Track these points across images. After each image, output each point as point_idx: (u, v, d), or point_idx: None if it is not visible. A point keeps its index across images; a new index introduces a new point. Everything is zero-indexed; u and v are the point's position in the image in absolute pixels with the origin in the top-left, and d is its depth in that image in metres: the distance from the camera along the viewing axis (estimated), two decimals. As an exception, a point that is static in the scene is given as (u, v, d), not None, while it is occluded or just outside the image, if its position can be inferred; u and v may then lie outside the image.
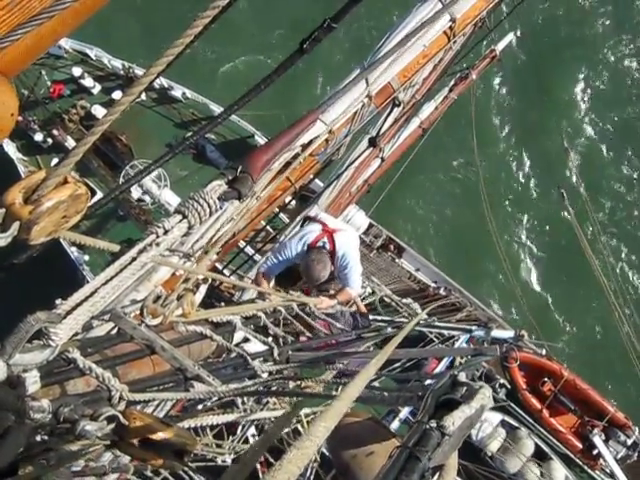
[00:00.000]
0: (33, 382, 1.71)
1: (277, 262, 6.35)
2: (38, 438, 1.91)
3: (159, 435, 1.91)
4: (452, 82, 12.46)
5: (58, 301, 1.86)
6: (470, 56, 9.88)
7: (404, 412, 9.95)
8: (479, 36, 9.09)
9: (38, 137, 12.88)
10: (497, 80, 18.26)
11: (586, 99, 19.21)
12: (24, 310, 1.84)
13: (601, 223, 17.22)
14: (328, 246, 6.21)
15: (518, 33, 16.23)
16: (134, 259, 2.15)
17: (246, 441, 6.98)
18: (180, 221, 2.44)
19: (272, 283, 6.52)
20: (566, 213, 15.24)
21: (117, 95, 13.13)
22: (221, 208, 2.89)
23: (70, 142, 12.95)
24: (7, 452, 1.57)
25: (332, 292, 6.71)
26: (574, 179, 16.66)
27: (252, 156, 3.39)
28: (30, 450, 1.97)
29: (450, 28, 6.17)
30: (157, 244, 2.26)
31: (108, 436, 1.90)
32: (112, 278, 2.03)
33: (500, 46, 13.69)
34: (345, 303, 6.58)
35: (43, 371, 1.80)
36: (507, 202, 18.02)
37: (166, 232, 2.34)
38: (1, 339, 1.60)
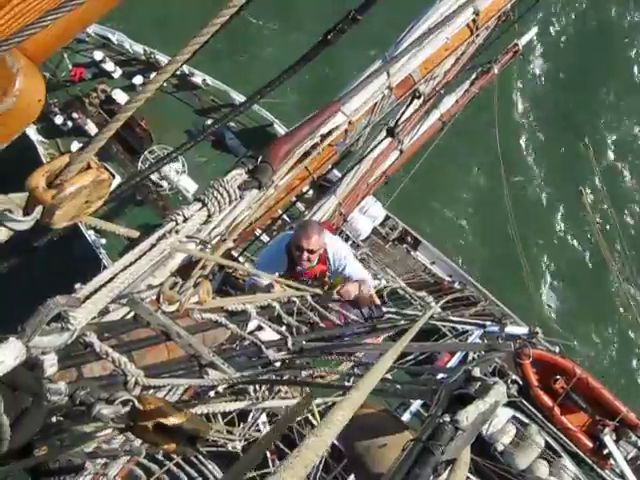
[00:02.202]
0: (51, 365, 1.72)
1: (266, 267, 5.93)
2: (54, 419, 1.94)
3: (173, 420, 1.93)
4: (474, 75, 12.38)
5: (77, 285, 1.87)
6: (493, 50, 9.81)
7: (415, 404, 9.94)
8: (502, 30, 9.03)
9: (58, 120, 12.96)
10: (520, 74, 18.10)
11: (612, 97, 18.99)
12: (42, 293, 1.86)
13: (619, 222, 17.10)
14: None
15: (540, 27, 16.05)
16: (153, 246, 2.16)
17: (257, 428, 7.01)
18: (200, 209, 2.46)
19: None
20: (585, 209, 15.14)
21: (138, 80, 13.18)
22: (240, 197, 2.90)
23: (90, 125, 13.02)
24: (24, 432, 1.60)
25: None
26: (595, 176, 16.53)
27: (273, 146, 3.39)
28: (46, 431, 2.00)
29: (473, 21, 6.14)
30: (177, 231, 2.27)
31: (122, 420, 1.92)
32: (131, 264, 2.05)
33: (523, 40, 13.57)
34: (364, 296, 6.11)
35: (61, 354, 1.82)
36: (527, 198, 17.90)
37: (185, 220, 2.35)
38: (21, 322, 1.61)
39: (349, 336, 5.22)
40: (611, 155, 18.55)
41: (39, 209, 1.57)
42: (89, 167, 1.61)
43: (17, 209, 1.57)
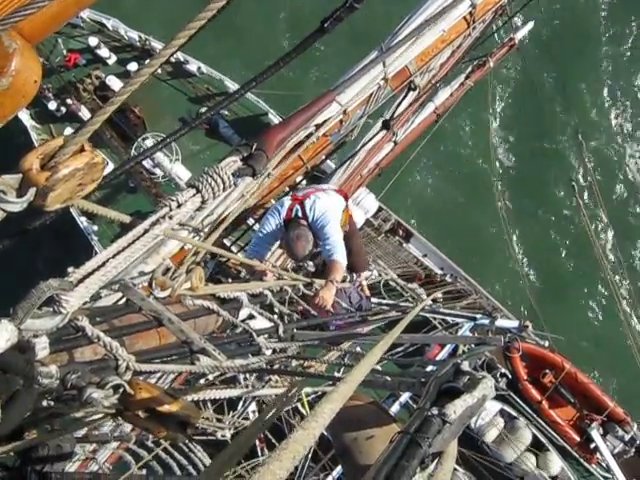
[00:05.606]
0: (43, 348, 1.72)
1: (261, 243, 6.05)
2: (44, 403, 1.94)
3: (165, 407, 1.93)
4: (469, 69, 12.36)
5: (70, 269, 1.87)
6: (489, 43, 9.80)
7: (404, 396, 10.00)
8: (498, 23, 9.02)
9: (52, 105, 12.89)
10: (514, 68, 18.09)
11: (605, 92, 19.01)
12: (34, 277, 1.85)
13: (610, 217, 17.16)
14: (300, 213, 5.87)
15: (536, 22, 16.01)
16: (146, 231, 2.15)
17: (246, 417, 7.03)
18: (194, 195, 2.45)
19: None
20: (576, 206, 15.18)
21: (132, 67, 13.10)
22: (234, 184, 2.90)
23: (84, 111, 12.96)
24: (14, 415, 1.59)
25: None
26: (586, 172, 16.55)
27: (267, 134, 3.38)
28: (36, 415, 2.00)
29: (470, 14, 6.13)
30: (170, 217, 2.26)
31: (113, 405, 1.92)
32: (124, 249, 2.04)
33: (519, 35, 13.56)
34: (343, 279, 6.00)
35: (52, 338, 1.81)
36: (518, 192, 17.90)
37: (179, 206, 2.34)
38: (13, 304, 1.61)
39: (340, 326, 5.24)
40: (603, 148, 18.59)
41: (32, 191, 1.57)
42: (83, 150, 1.61)
43: (10, 190, 1.56)
